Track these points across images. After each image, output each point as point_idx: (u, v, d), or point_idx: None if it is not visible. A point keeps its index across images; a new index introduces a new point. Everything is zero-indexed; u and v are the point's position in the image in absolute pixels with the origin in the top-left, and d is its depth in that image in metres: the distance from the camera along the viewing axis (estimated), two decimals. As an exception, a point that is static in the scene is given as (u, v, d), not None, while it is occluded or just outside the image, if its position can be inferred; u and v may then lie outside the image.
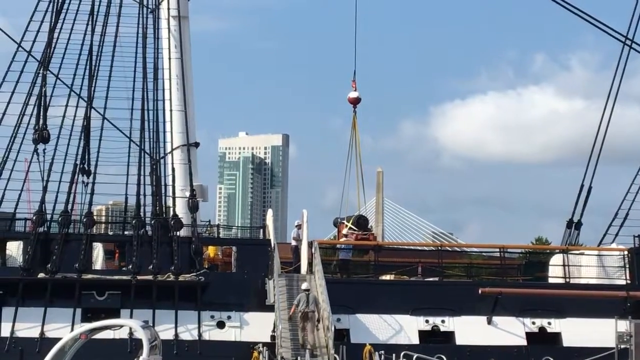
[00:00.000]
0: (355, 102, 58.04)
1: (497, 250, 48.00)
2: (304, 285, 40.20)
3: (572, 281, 45.73)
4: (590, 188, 50.24)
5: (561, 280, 45.90)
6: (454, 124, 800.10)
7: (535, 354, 42.27)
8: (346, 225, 52.52)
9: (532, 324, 43.29)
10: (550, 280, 46.89)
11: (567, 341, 43.00)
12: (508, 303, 42.81)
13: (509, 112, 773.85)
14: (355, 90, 57.75)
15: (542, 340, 43.18)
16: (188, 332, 41.32)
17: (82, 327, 30.11)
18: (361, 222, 53.23)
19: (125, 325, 35.34)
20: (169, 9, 47.58)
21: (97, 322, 30.92)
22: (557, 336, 43.37)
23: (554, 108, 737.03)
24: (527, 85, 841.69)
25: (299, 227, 46.67)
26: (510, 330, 43.00)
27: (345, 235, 49.83)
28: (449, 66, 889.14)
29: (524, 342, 42.84)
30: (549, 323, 43.42)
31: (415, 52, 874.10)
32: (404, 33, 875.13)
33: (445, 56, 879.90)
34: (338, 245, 48.04)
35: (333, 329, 37.99)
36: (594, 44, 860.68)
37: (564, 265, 46.11)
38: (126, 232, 44.77)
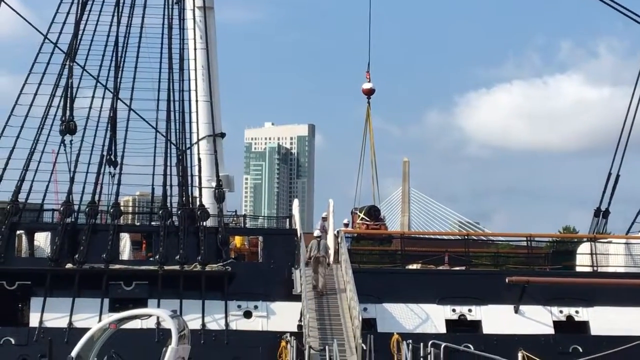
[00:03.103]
0: (369, 93, 58.16)
1: (525, 239, 47.87)
2: (316, 233, 43.43)
3: (600, 270, 45.51)
4: (618, 176, 49.98)
5: (589, 269, 45.68)
6: (479, 113, 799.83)
7: (562, 342, 42.13)
8: (359, 216, 52.63)
9: (560, 312, 43.15)
10: (578, 269, 46.69)
11: (595, 330, 42.83)
12: (535, 292, 42.71)
13: (535, 101, 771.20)
14: (369, 81, 57.75)
15: (570, 329, 43.02)
16: (215, 322, 41.43)
17: (112, 317, 30.21)
18: (373, 213, 53.38)
19: (154, 314, 35.45)
20: (194, -1, 47.68)
21: (126, 312, 31.03)
22: (584, 325, 43.20)
23: (581, 96, 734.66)
24: (554, 73, 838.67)
25: (325, 219, 46.68)
26: (538, 319, 42.86)
27: (346, 225, 49.56)
28: (474, 54, 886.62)
29: (551, 331, 42.70)
30: (577, 312, 43.25)
31: (440, 40, 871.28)
32: (429, 21, 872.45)
33: (471, 44, 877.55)
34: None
35: (360, 318, 37.99)
36: (622, 30, 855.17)
37: (591, 254, 45.88)
38: (153, 223, 44.95)
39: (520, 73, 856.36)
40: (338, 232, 45.63)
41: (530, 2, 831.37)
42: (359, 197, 57.29)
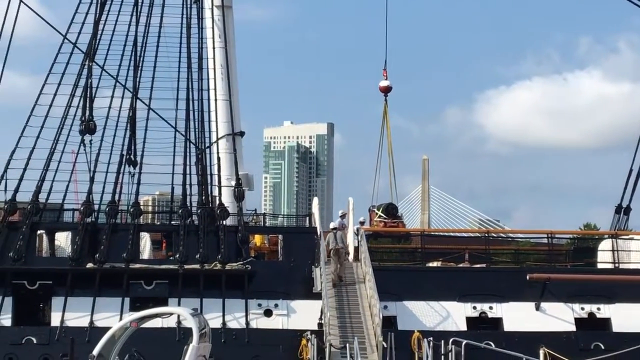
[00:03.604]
0: (387, 90, 58.11)
1: (545, 236, 47.72)
2: (332, 225, 44.19)
3: (622, 266, 45.40)
4: (639, 172, 49.73)
5: (610, 266, 45.54)
6: (499, 110, 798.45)
7: (584, 339, 41.96)
8: (376, 214, 52.62)
9: (581, 309, 42.99)
10: (599, 266, 46.55)
11: (617, 327, 42.66)
12: (556, 289, 42.55)
13: (555, 98, 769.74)
14: (386, 79, 57.70)
15: (592, 326, 42.85)
16: (235, 321, 41.44)
17: (133, 315, 30.26)
18: (390, 210, 53.38)
19: (175, 313, 35.48)
20: (212, -2, 47.74)
21: (147, 310, 31.04)
22: (606, 322, 43.04)
23: (601, 92, 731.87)
24: (573, 69, 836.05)
25: (344, 216, 46.64)
26: (559, 316, 42.73)
27: (362, 223, 49.46)
28: (493, 51, 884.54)
29: (573, 328, 42.55)
30: (598, 309, 43.09)
31: (458, 37, 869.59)
32: (447, 18, 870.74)
33: (490, 41, 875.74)
34: None
35: (381, 315, 37.95)
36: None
37: (613, 251, 45.76)
38: (173, 222, 45.02)
39: (540, 70, 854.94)
40: (358, 229, 45.59)
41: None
42: (377, 195, 57.20)
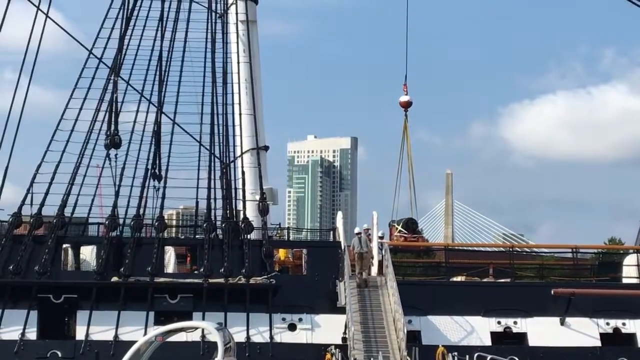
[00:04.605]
0: (407, 105, 58.40)
1: (570, 250, 47.57)
2: (357, 230, 43.94)
3: (647, 281, 45.16)
4: (664, 187, 49.52)
5: (636, 280, 45.35)
6: (523, 123, 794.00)
7: (609, 355, 41.81)
8: (396, 228, 52.66)
9: (606, 324, 42.82)
10: (624, 281, 46.33)
11: (643, 342, 42.45)
12: (581, 304, 42.39)
13: (579, 111, 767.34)
14: (406, 94, 57.80)
15: (617, 341, 42.66)
16: (260, 335, 41.47)
17: (158, 330, 30.31)
18: (410, 225, 53.48)
19: (200, 327, 35.55)
20: (237, 13, 47.91)
21: (172, 325, 31.11)
22: (632, 337, 42.84)
23: (626, 105, 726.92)
24: (598, 83, 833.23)
25: (367, 231, 46.55)
26: (584, 331, 42.56)
27: (381, 237, 49.27)
28: (516, 65, 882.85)
29: (598, 343, 42.38)
30: (624, 324, 42.90)
31: (482, 51, 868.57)
32: (470, 32, 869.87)
33: (513, 54, 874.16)
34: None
35: (405, 330, 37.88)
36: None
37: (638, 265, 45.57)
38: (197, 236, 45.13)
39: (564, 83, 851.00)
40: (382, 244, 45.52)
41: (570, 11, 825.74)
42: (397, 210, 57.28)
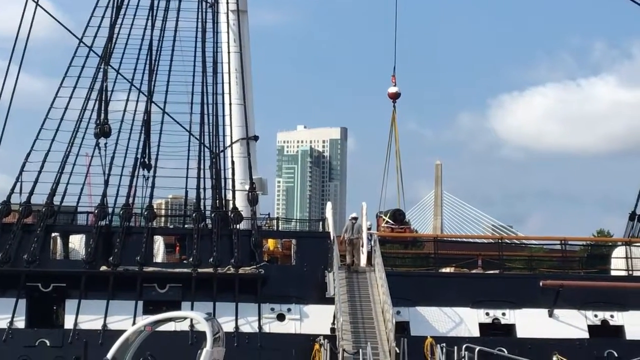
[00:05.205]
0: (395, 96, 58.29)
1: (559, 242, 47.67)
2: (353, 215, 44.90)
3: (635, 273, 45.28)
4: (653, 179, 49.57)
5: (624, 273, 45.45)
6: (513, 115, 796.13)
7: (597, 347, 41.89)
8: (383, 219, 52.65)
9: (594, 316, 42.94)
10: (613, 273, 46.45)
11: (630, 334, 42.60)
12: (570, 296, 42.47)
13: (569, 104, 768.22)
14: (394, 85, 57.82)
15: (605, 333, 42.78)
16: (248, 325, 41.49)
17: (147, 319, 30.31)
18: (397, 216, 53.46)
19: (189, 317, 35.59)
20: (227, 3, 47.81)
21: (161, 314, 31.16)
22: (620, 329, 42.96)
23: (615, 98, 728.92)
24: (588, 75, 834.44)
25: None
26: (572, 323, 42.67)
27: (368, 228, 49.44)
28: (506, 56, 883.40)
29: (586, 335, 42.49)
30: (612, 316, 43.02)
31: (471, 42, 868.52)
32: (459, 23, 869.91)
33: (503, 46, 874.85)
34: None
35: (393, 321, 37.96)
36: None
37: (626, 258, 45.67)
38: (186, 226, 45.12)
39: (554, 75, 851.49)
40: (371, 235, 45.59)
41: (561, 1, 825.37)
42: (385, 201, 57.26)
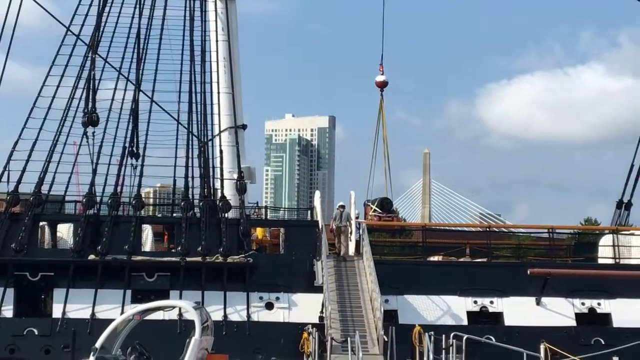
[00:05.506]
0: (382, 85, 58.26)
1: (546, 231, 47.78)
2: (341, 203, 45.70)
3: (622, 262, 45.44)
4: (640, 167, 49.71)
5: (611, 261, 45.60)
6: (500, 104, 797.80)
7: (584, 335, 42.05)
8: (371, 208, 52.67)
9: (582, 304, 43.11)
10: (600, 261, 46.61)
11: (617, 322, 42.77)
12: (557, 284, 42.63)
13: (556, 92, 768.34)
14: (382, 73, 57.84)
15: (592, 321, 42.96)
16: (237, 313, 41.53)
17: (135, 308, 30.28)
18: (385, 205, 53.50)
19: (178, 306, 35.54)
20: (216, -10, 47.72)
21: (150, 303, 31.07)
22: (607, 317, 43.15)
23: (602, 86, 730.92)
24: (575, 64, 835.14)
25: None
26: (560, 311, 42.83)
27: (356, 217, 49.50)
28: (494, 44, 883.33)
29: (573, 323, 42.66)
30: (599, 304, 43.19)
31: (458, 30, 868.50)
32: (448, 10, 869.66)
33: (490, 34, 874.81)
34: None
35: (382, 309, 38.03)
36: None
37: (613, 246, 45.80)
38: (175, 215, 45.09)
39: (541, 64, 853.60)
40: (360, 223, 45.63)
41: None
42: (372, 189, 57.26)
